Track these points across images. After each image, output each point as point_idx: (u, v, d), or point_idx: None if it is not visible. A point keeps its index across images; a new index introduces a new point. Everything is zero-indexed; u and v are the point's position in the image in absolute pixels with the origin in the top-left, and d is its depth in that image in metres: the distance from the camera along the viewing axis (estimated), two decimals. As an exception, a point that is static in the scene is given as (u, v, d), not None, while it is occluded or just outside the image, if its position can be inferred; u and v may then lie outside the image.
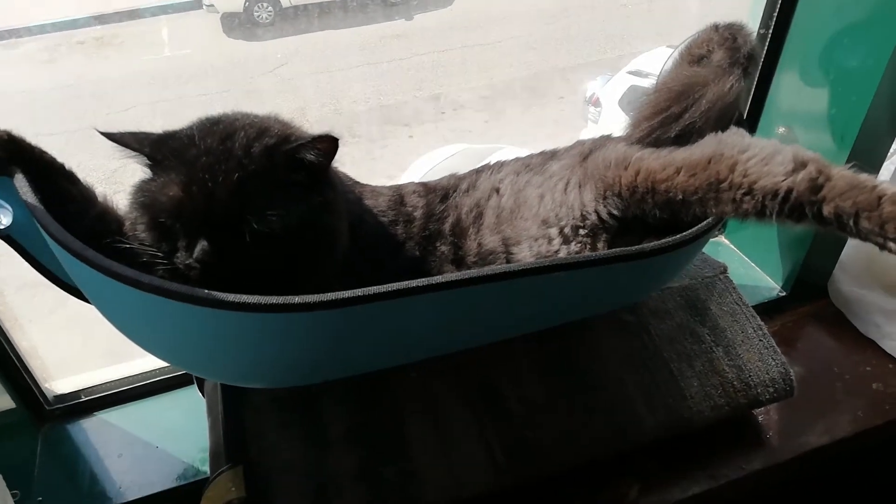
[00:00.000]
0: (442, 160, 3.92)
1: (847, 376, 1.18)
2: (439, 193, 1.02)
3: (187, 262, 0.82)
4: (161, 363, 1.22)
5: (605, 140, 1.07)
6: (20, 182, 0.83)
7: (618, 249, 0.83)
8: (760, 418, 1.12)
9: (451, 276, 0.78)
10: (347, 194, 0.96)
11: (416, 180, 1.07)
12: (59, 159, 0.92)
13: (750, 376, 1.05)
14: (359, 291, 0.75)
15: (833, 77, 1.12)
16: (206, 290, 0.74)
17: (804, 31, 1.16)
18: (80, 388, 1.21)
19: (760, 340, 1.09)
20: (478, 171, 1.07)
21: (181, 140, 0.85)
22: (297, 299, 0.73)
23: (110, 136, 0.85)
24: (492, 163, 1.10)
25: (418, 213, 0.98)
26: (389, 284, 0.76)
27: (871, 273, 1.28)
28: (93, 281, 0.81)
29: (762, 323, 1.11)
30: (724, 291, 1.14)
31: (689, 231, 0.86)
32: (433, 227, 0.97)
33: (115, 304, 0.84)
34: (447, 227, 0.98)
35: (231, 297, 0.73)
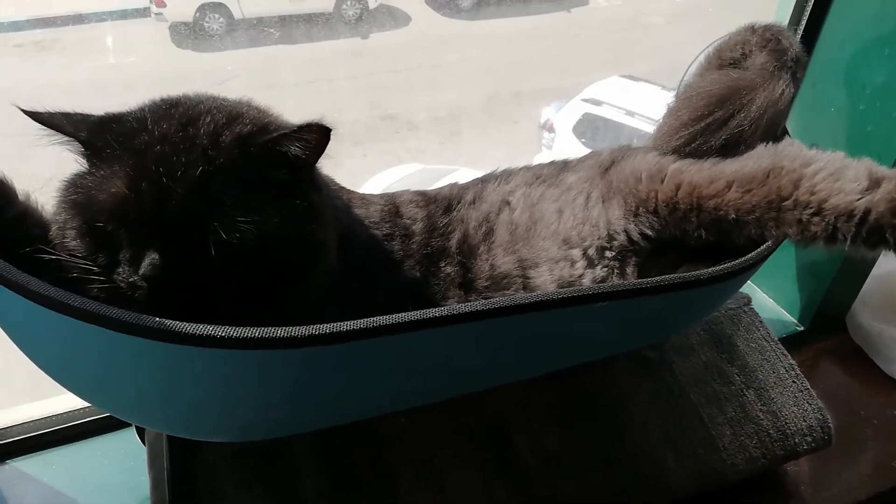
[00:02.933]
0: (396, 180, 3.77)
1: (875, 421, 1.06)
2: (441, 204, 0.85)
3: (131, 279, 0.62)
4: (90, 401, 0.99)
5: (628, 150, 0.92)
6: None
7: (670, 276, 0.67)
8: (789, 469, 0.98)
9: (478, 304, 0.60)
10: (335, 200, 0.77)
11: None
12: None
13: (786, 424, 0.91)
14: (361, 322, 0.57)
15: (869, 92, 1.01)
16: (156, 318, 0.54)
17: (834, 42, 1.05)
18: (-1, 428, 0.97)
19: (794, 382, 0.95)
20: (483, 181, 0.91)
21: (128, 124, 0.66)
22: (280, 332, 0.54)
23: (36, 116, 0.65)
24: (497, 172, 0.93)
25: (418, 227, 0.81)
26: (400, 314, 0.58)
27: (893, 306, 1.17)
28: (5, 303, 0.60)
29: (793, 362, 0.98)
30: (751, 325, 1.00)
31: (750, 256, 0.71)
32: (436, 244, 0.80)
33: (30, 331, 0.63)
34: (453, 244, 0.81)
35: (190, 327, 0.54)
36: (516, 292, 0.79)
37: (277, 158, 0.66)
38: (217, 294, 0.64)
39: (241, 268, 0.64)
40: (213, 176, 0.63)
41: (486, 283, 0.79)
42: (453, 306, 0.59)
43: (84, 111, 0.68)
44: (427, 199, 0.86)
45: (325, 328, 0.56)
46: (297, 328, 0.56)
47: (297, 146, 0.65)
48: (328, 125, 0.65)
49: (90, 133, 0.65)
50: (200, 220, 0.62)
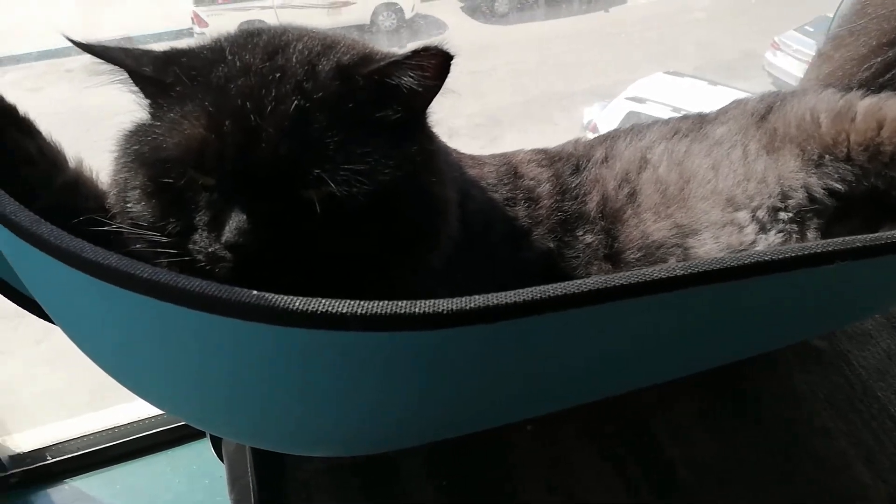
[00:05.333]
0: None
1: None
2: (569, 163, 0.68)
3: (211, 248, 0.47)
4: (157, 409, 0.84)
5: (781, 94, 0.74)
6: None
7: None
8: None
9: (678, 268, 0.43)
10: (446, 155, 0.61)
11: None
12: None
13: None
14: (535, 292, 0.40)
15: None
16: (254, 292, 0.38)
17: None
18: (47, 445, 0.83)
19: None
20: (610, 138, 0.74)
21: (202, 56, 0.51)
22: (425, 306, 0.38)
23: (90, 48, 0.50)
24: (622, 129, 0.76)
25: (544, 189, 0.64)
26: (581, 282, 0.41)
27: None
28: (53, 279, 0.45)
29: None
30: (933, 305, 0.81)
31: None
32: (570, 209, 0.64)
33: (88, 317, 0.48)
34: (592, 207, 0.64)
35: (304, 302, 0.38)
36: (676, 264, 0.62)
37: (387, 93, 0.50)
38: (316, 266, 0.48)
39: (347, 230, 0.48)
40: (311, 112, 0.48)
41: (637, 255, 0.62)
42: (650, 270, 0.42)
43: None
44: (550, 158, 0.69)
45: (487, 300, 0.39)
46: (446, 301, 0.39)
47: (411, 76, 0.49)
48: (448, 49, 0.49)
49: (156, 67, 0.51)
50: (298, 167, 0.46)
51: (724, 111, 0.77)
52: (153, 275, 0.39)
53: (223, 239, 0.47)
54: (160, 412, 0.84)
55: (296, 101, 0.47)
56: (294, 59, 0.50)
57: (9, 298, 0.63)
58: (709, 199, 0.65)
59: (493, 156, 0.70)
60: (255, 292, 0.39)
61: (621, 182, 0.67)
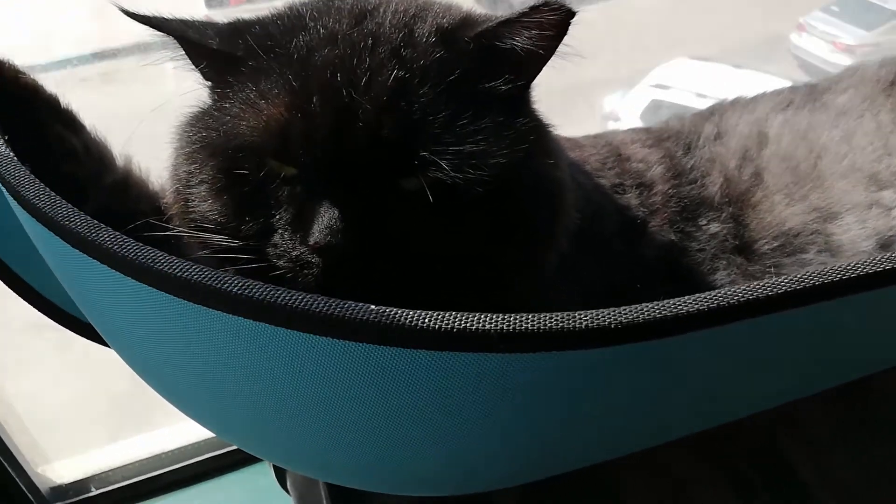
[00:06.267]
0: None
1: None
2: (679, 142, 0.60)
3: (296, 251, 0.39)
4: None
5: None
6: None
7: None
8: None
9: None
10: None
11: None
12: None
13: None
14: (726, 295, 0.31)
15: None
16: (368, 305, 0.30)
17: None
18: (91, 475, 0.75)
19: None
20: (716, 112, 0.65)
21: (277, 24, 0.43)
22: (607, 317, 0.30)
23: (146, 20, 0.42)
24: (725, 102, 0.67)
25: (656, 172, 0.56)
26: (790, 280, 0.32)
27: None
28: (114, 296, 0.37)
29: None
30: None
31: None
32: (689, 194, 0.55)
33: (155, 339, 0.40)
34: (714, 191, 0.55)
35: (446, 320, 0.30)
36: (818, 255, 0.53)
37: (497, 59, 0.42)
38: (418, 270, 0.40)
39: (457, 226, 0.40)
40: (413, 83, 0.39)
41: (773, 245, 0.54)
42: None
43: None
44: (655, 137, 0.60)
45: (664, 310, 0.31)
46: (610, 313, 0.31)
47: (527, 38, 0.41)
48: (566, 5, 0.40)
49: (223, 39, 0.42)
50: (403, 150, 0.38)
51: (836, 79, 0.68)
52: (246, 290, 0.31)
53: (311, 240, 0.39)
54: (210, 434, 0.76)
55: (395, 71, 0.39)
56: (387, 23, 0.42)
57: (57, 321, 0.56)
58: (848, 176, 0.56)
59: (587, 137, 0.62)
60: (373, 307, 0.31)
61: (742, 160, 0.58)
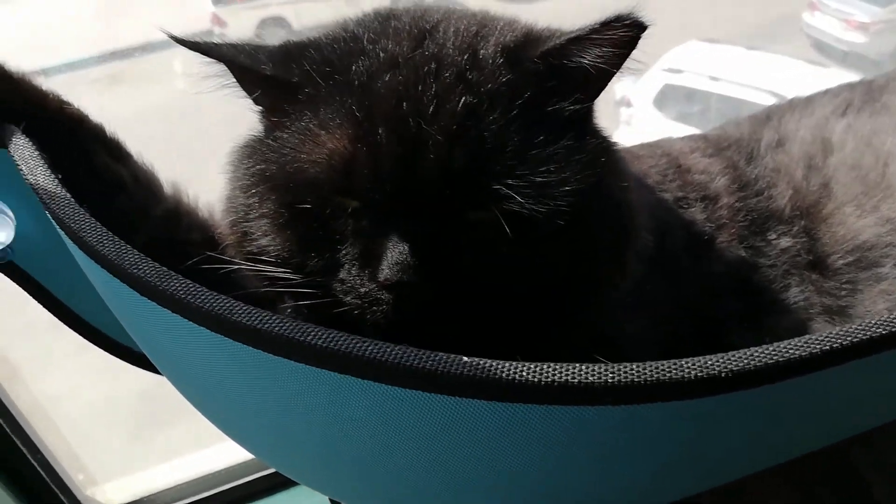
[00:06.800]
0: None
1: None
2: (741, 151, 0.57)
3: (364, 288, 0.37)
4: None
5: None
6: (20, 148, 0.39)
7: None
8: None
9: None
10: None
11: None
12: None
13: None
14: (840, 335, 0.29)
15: None
16: (469, 359, 0.29)
17: None
18: (140, 497, 0.74)
19: None
20: (774, 116, 0.62)
21: (334, 47, 0.41)
22: (715, 364, 0.28)
23: (196, 46, 0.40)
24: (781, 105, 0.64)
25: (720, 184, 0.54)
26: None
27: None
28: (180, 340, 0.36)
29: None
30: None
31: None
32: (757, 207, 0.53)
33: (223, 382, 0.39)
34: (783, 204, 0.53)
35: (547, 372, 0.28)
36: (894, 269, 0.51)
37: (565, 78, 0.40)
38: (489, 304, 0.38)
39: (530, 258, 0.38)
40: (482, 110, 0.37)
41: (847, 260, 0.51)
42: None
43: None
44: (715, 146, 0.58)
45: (775, 354, 0.29)
46: (718, 360, 0.29)
47: (597, 55, 0.39)
48: (640, 19, 0.38)
49: (276, 64, 0.41)
50: (475, 181, 0.36)
51: (892, 76, 0.65)
52: (333, 343, 0.29)
53: (381, 276, 0.37)
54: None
55: (464, 98, 0.37)
56: (449, 45, 0.40)
57: (101, 346, 0.54)
58: (919, 184, 0.54)
59: (643, 146, 0.59)
60: (467, 360, 0.29)
61: (808, 170, 0.55)
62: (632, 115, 5.15)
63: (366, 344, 0.29)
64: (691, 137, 0.60)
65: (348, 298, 0.39)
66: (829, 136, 0.58)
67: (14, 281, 0.50)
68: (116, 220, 0.41)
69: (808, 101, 0.63)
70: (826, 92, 0.65)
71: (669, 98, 4.58)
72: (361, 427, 0.33)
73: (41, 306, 0.52)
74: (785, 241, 0.52)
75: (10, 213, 0.46)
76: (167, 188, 0.50)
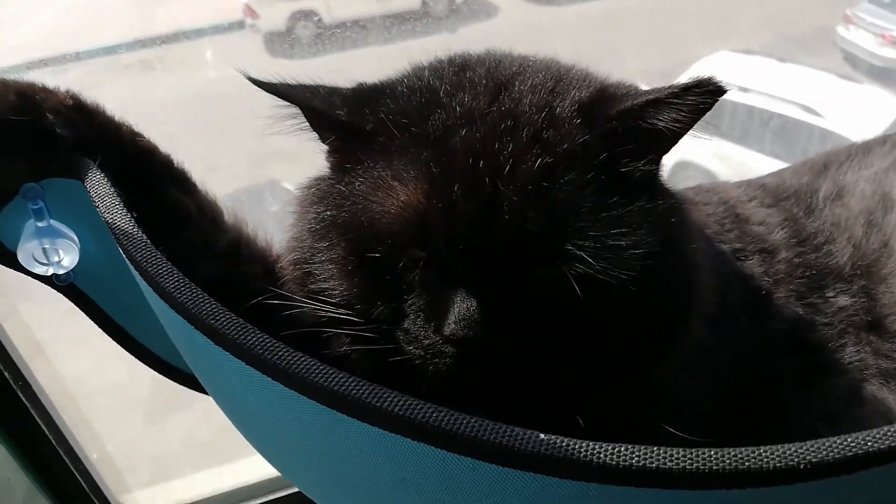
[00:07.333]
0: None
1: None
2: (799, 202, 0.56)
3: (428, 340, 0.38)
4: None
5: None
6: (97, 184, 0.39)
7: None
8: None
9: None
10: None
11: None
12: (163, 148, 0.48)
13: None
14: None
15: None
16: (565, 441, 0.29)
17: None
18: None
19: None
20: (831, 165, 0.61)
21: (409, 96, 0.41)
22: (795, 454, 0.28)
23: (271, 88, 0.41)
24: (835, 151, 0.63)
25: (779, 237, 0.53)
26: None
27: None
28: (250, 389, 0.36)
29: None
30: None
31: None
32: (815, 263, 0.52)
33: (284, 430, 0.39)
34: (843, 261, 0.52)
35: (665, 456, 0.28)
36: None
37: (639, 138, 0.39)
38: (553, 363, 0.38)
39: (598, 319, 0.38)
40: (557, 170, 0.37)
41: None
42: None
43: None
44: (773, 196, 0.57)
45: (867, 441, 0.29)
46: (807, 448, 0.29)
47: (673, 117, 0.38)
48: (719, 82, 0.38)
49: (351, 110, 0.41)
50: (548, 242, 0.36)
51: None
52: (409, 410, 0.29)
53: (446, 330, 0.37)
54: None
55: (540, 158, 0.37)
56: (526, 101, 0.40)
57: (157, 370, 0.55)
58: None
59: (698, 190, 0.59)
60: (543, 437, 0.29)
61: (867, 226, 0.54)
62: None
63: (442, 414, 0.30)
64: (749, 184, 0.59)
65: (410, 348, 0.39)
66: (888, 190, 0.57)
67: (73, 301, 0.51)
68: (182, 252, 0.41)
69: (866, 150, 0.62)
70: (884, 140, 0.64)
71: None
72: (425, 491, 0.33)
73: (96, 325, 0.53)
74: (843, 300, 0.51)
75: (76, 239, 0.47)
76: (228, 217, 0.51)
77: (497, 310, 0.37)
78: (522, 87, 0.41)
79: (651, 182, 0.41)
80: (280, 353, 0.32)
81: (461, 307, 0.37)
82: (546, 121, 0.39)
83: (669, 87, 0.38)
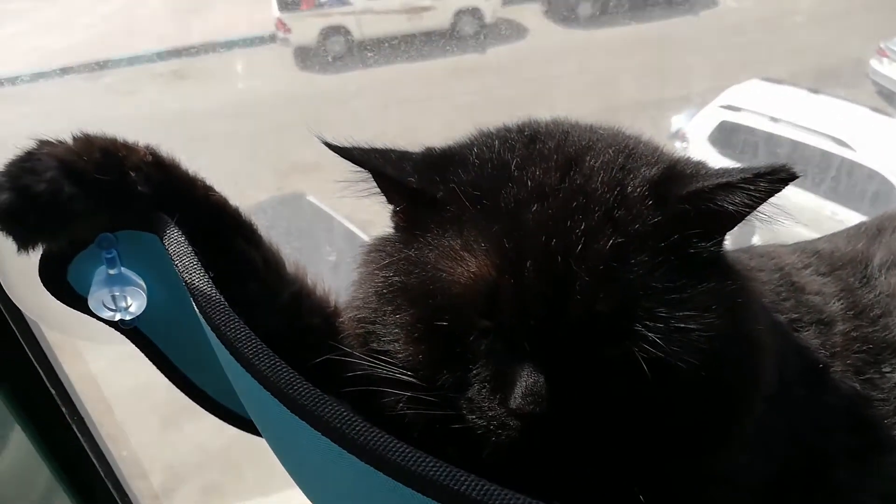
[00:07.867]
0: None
1: None
2: (855, 272, 0.56)
3: (493, 411, 0.38)
4: None
5: None
6: (175, 243, 0.40)
7: None
8: None
9: None
10: None
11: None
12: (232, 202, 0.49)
13: None
14: None
15: None
16: None
17: None
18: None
19: None
20: (888, 231, 0.61)
21: (480, 166, 0.42)
22: None
23: (347, 154, 0.41)
24: (891, 213, 0.63)
25: (835, 309, 0.53)
26: None
27: None
28: (317, 453, 0.37)
29: None
30: None
31: None
32: (872, 337, 0.51)
33: (346, 493, 0.40)
34: None
35: None
36: None
37: (707, 219, 0.40)
38: (616, 440, 0.38)
39: (664, 399, 0.38)
40: (629, 251, 0.38)
41: None
42: None
43: (382, 146, 0.44)
44: (828, 264, 0.57)
45: None
46: None
47: (744, 201, 0.39)
48: (792, 168, 0.38)
49: (422, 178, 0.41)
50: (618, 323, 0.36)
51: None
52: (489, 495, 0.30)
53: (512, 403, 0.37)
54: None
55: (612, 239, 0.37)
56: (598, 179, 0.40)
57: (216, 414, 0.56)
58: None
59: (753, 254, 0.58)
60: None
61: (924, 299, 0.54)
62: (686, 149, 5.08)
63: (521, 501, 0.30)
64: (803, 250, 0.59)
65: (473, 417, 0.39)
66: (943, 260, 0.57)
67: (136, 345, 0.52)
68: (248, 304, 0.42)
69: (901, 213, 0.62)
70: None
71: (725, 135, 4.50)
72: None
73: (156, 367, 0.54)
74: None
75: (144, 286, 0.48)
76: (290, 267, 0.52)
77: (563, 386, 0.37)
78: (594, 164, 0.41)
79: (716, 261, 0.41)
80: (357, 427, 0.33)
81: (528, 382, 0.37)
82: (618, 200, 0.39)
83: (741, 171, 0.38)
